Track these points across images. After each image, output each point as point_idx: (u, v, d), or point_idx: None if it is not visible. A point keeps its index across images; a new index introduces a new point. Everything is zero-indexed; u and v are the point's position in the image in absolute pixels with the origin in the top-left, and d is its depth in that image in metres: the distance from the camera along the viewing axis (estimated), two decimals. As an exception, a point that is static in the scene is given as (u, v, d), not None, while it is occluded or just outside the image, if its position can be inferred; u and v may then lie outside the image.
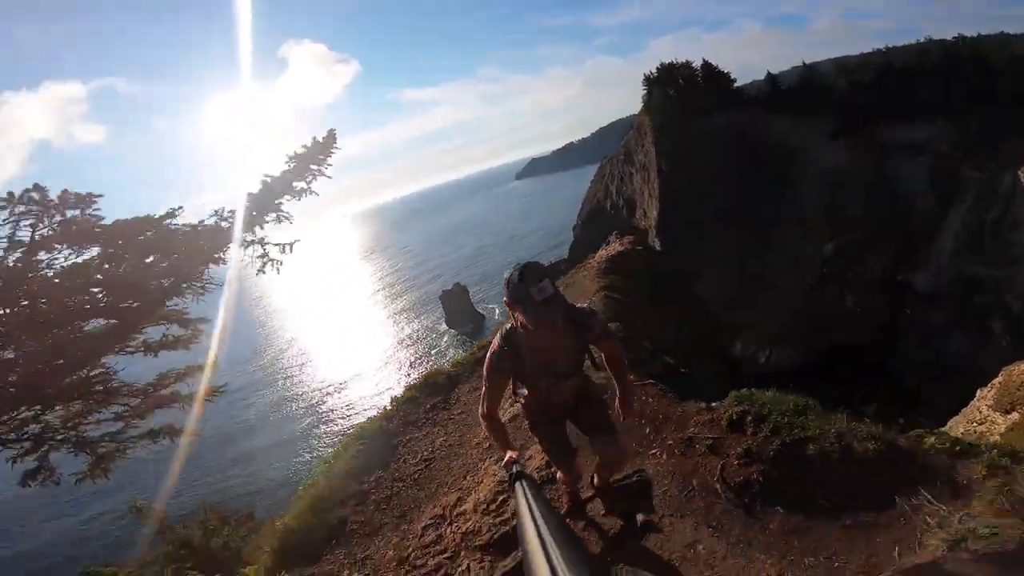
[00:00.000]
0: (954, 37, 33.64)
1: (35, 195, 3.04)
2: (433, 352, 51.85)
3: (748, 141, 35.99)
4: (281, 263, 4.23)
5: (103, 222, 3.19)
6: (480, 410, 2.35)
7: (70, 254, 3.16)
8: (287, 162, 3.98)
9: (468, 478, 4.48)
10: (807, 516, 2.26)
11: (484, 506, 3.73)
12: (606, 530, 2.78)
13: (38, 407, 3.31)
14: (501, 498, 3.65)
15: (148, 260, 3.33)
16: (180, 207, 3.56)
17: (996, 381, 8.45)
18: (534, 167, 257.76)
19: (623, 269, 12.70)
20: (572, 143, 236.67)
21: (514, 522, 1.79)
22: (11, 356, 3.02)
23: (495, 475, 4.03)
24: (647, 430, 3.65)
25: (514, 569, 2.77)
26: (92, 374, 3.49)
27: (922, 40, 37.89)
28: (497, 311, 55.40)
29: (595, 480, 2.95)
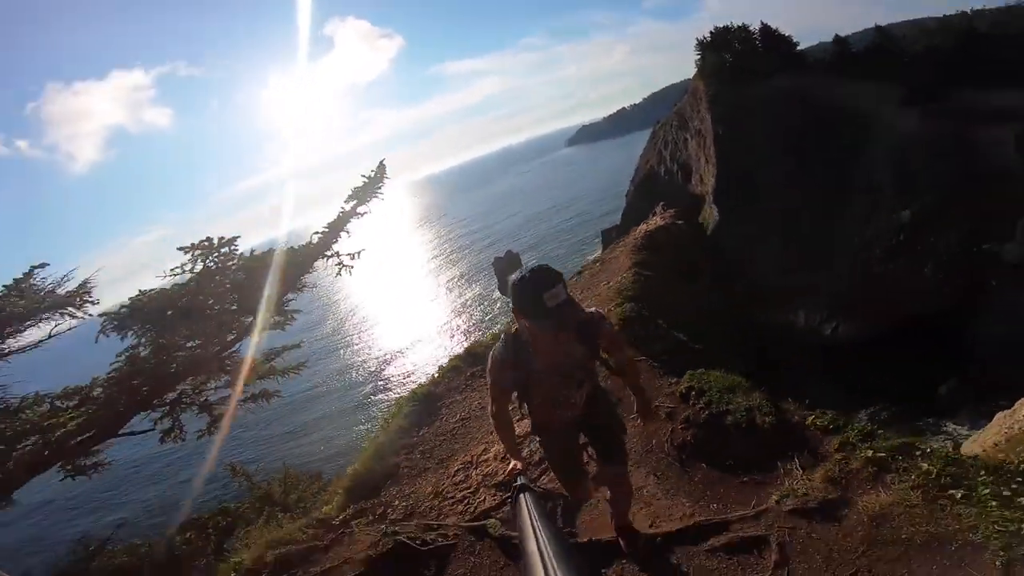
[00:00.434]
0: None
1: (205, 242, 4.34)
2: (487, 318, 53.29)
3: (812, 106, 33.66)
4: (352, 267, 5.51)
5: (238, 252, 4.46)
6: (490, 409, 2.24)
7: (217, 275, 4.43)
8: (351, 195, 5.21)
9: (493, 434, 5.47)
10: (720, 471, 3.01)
11: (502, 456, 4.72)
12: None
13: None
14: (519, 446, 4.60)
15: (267, 275, 4.61)
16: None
17: None
18: (584, 134, 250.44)
19: (661, 244, 12.86)
20: (624, 109, 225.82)
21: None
22: (180, 342, 4.30)
23: (518, 431, 5.00)
24: (628, 394, 4.43)
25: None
26: (224, 353, 4.75)
27: (1010, 3, 33.38)
28: None
29: (612, 518, 2.74)
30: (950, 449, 2.32)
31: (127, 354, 4.33)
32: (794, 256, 31.81)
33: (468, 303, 60.53)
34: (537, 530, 1.23)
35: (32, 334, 4.11)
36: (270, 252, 4.89)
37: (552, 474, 3.09)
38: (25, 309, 3.97)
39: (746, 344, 10.61)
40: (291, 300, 5.33)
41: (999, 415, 8.25)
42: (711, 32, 41.81)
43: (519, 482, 1.76)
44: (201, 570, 4.25)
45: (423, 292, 69.64)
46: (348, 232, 5.37)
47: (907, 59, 30.23)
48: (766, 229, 33.49)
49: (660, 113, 60.42)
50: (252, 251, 4.88)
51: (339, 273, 5.70)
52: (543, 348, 1.97)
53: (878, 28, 34.43)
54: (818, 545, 2.20)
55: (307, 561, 3.70)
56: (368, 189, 5.28)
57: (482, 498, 4.30)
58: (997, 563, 1.81)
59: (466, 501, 4.41)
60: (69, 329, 4.29)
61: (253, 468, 8.56)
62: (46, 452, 3.86)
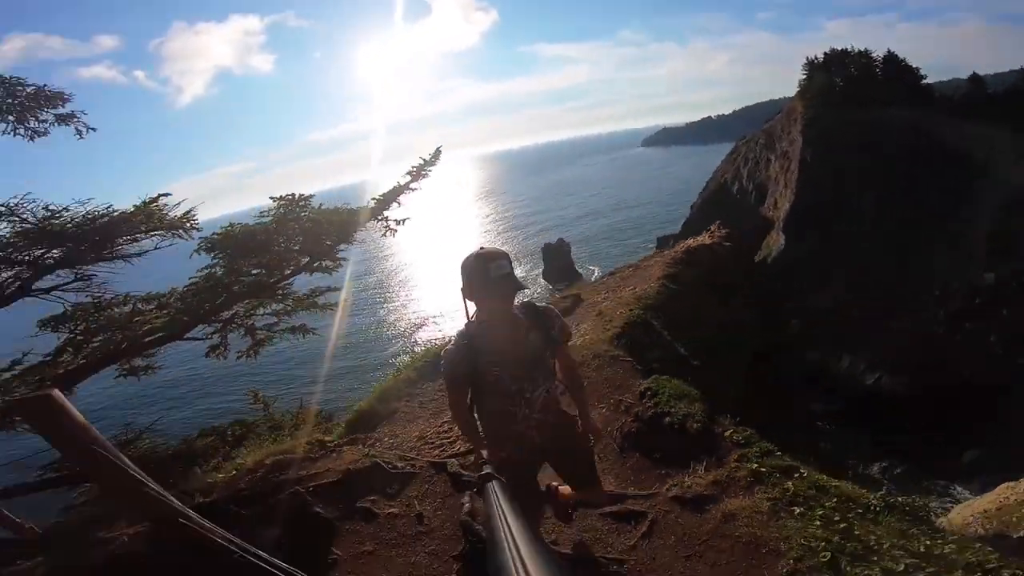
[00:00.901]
0: None
1: (288, 196, 5.36)
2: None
3: (920, 144, 31.32)
4: (396, 231, 6.30)
5: (310, 205, 5.46)
6: (449, 401, 2.18)
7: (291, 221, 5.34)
8: (408, 172, 5.98)
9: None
10: (649, 461, 3.41)
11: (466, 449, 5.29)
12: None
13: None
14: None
15: (328, 226, 5.52)
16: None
17: None
18: (663, 136, 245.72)
19: (701, 260, 12.69)
20: (709, 118, 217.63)
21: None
22: (248, 268, 5.28)
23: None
24: (607, 389, 4.83)
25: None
26: (280, 284, 5.66)
27: None
28: (596, 271, 56.16)
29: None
30: (823, 480, 2.60)
31: (205, 271, 5.20)
32: (857, 299, 30.16)
33: (508, 284, 61.06)
34: (504, 520, 1.22)
35: (144, 244, 5.07)
36: (334, 209, 5.73)
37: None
38: (146, 226, 4.87)
39: (757, 371, 10.52)
40: (343, 249, 6.14)
41: (1002, 486, 8.08)
42: (826, 53, 39.56)
43: (485, 471, 1.72)
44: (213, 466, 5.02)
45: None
46: (399, 203, 6.09)
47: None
48: (833, 265, 31.77)
49: (747, 128, 57.94)
50: (320, 204, 5.70)
51: (384, 235, 6.44)
52: (498, 334, 1.94)
53: (1025, 71, 31.27)
54: (678, 527, 2.64)
55: (298, 467, 4.29)
56: (422, 169, 5.95)
57: (457, 447, 4.88)
58: (784, 569, 2.17)
59: (443, 448, 5.00)
60: (169, 244, 5.23)
61: (272, 399, 9.54)
62: (124, 345, 4.73)
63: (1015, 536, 6.58)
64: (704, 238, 15.72)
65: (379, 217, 6.06)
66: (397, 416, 6.30)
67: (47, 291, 4.59)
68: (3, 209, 4.13)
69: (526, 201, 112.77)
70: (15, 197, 4.18)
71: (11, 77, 4.54)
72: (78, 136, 4.99)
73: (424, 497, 3.67)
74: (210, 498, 3.52)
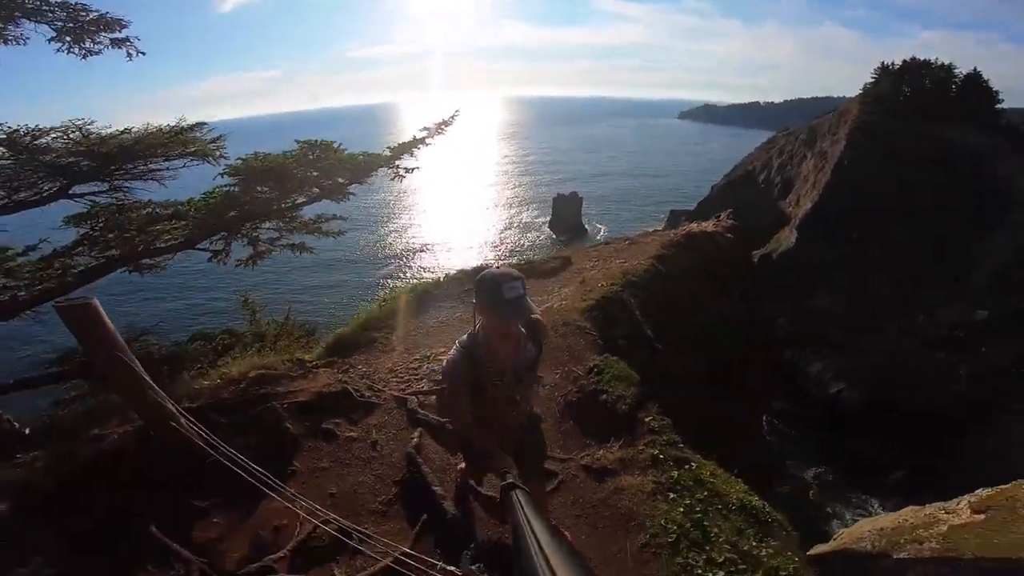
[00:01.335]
0: None
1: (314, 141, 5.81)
2: (524, 245, 53.84)
3: (966, 169, 30.39)
4: (405, 177, 6.67)
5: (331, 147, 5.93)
6: (452, 413, 2.25)
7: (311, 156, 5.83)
8: (423, 129, 6.34)
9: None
10: (580, 432, 3.90)
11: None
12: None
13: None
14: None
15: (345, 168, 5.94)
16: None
17: (1003, 486, 8.44)
18: (703, 113, 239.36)
19: (698, 247, 12.69)
20: (757, 103, 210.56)
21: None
22: (264, 191, 5.73)
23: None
24: (565, 357, 5.28)
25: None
26: (286, 205, 6.08)
27: None
28: (603, 230, 56.25)
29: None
30: (705, 474, 3.08)
31: (225, 191, 5.59)
32: (852, 311, 30.53)
33: (512, 225, 61.12)
34: (530, 527, 1.23)
35: (175, 164, 5.51)
36: (352, 155, 6.14)
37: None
38: (179, 151, 5.29)
39: (727, 362, 10.98)
40: (353, 185, 6.50)
41: (908, 508, 8.75)
42: (905, 60, 37.60)
43: (509, 479, 1.71)
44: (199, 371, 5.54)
45: (477, 201, 70.26)
46: (412, 154, 6.43)
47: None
48: (836, 275, 31.83)
49: (794, 121, 55.87)
50: (341, 147, 6.09)
51: (393, 179, 6.80)
52: (496, 345, 2.07)
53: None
54: (577, 490, 3.16)
55: (277, 383, 4.71)
56: (438, 128, 6.34)
57: (422, 384, 5.38)
58: (640, 542, 2.69)
59: (409, 383, 5.50)
60: (197, 164, 5.67)
61: (261, 304, 9.97)
62: (140, 248, 5.17)
63: (894, 557, 7.14)
64: (709, 225, 15.74)
65: (391, 166, 6.32)
66: (375, 347, 6.69)
67: (83, 196, 5.06)
68: (59, 133, 4.62)
69: (547, 150, 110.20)
70: (69, 120, 4.69)
71: (75, 3, 4.70)
72: (128, 58, 5.25)
73: (382, 427, 4.17)
74: (196, 404, 3.89)
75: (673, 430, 3.41)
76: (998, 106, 36.13)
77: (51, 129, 4.73)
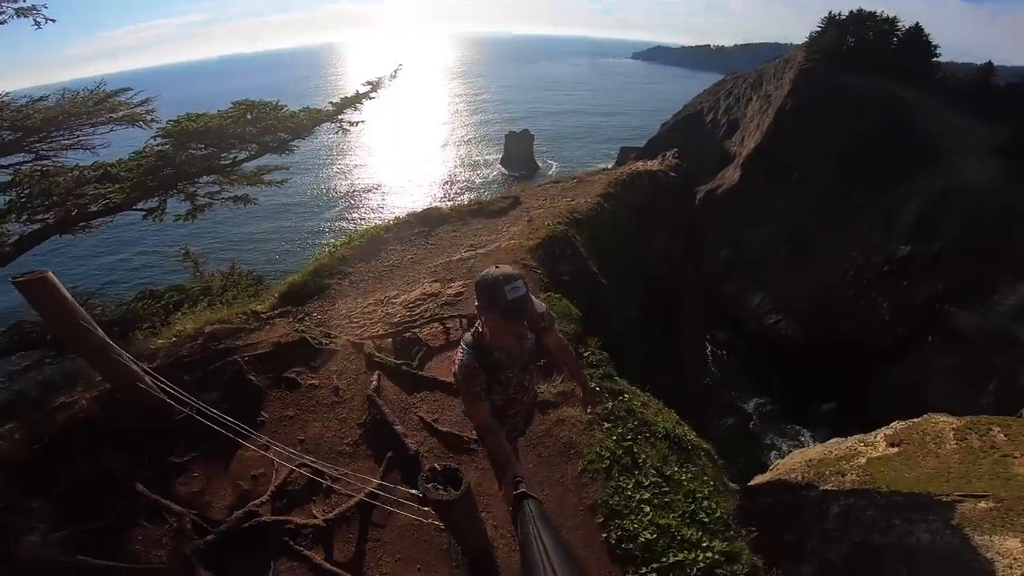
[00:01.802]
0: None
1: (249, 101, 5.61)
2: (476, 182, 53.09)
3: (897, 121, 31.92)
4: (349, 130, 6.58)
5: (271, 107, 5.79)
6: (474, 420, 2.19)
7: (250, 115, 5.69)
8: (366, 83, 6.26)
9: (408, 286, 6.51)
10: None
11: (408, 304, 5.85)
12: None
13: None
14: (420, 301, 5.74)
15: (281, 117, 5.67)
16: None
17: (915, 420, 8.69)
18: (655, 54, 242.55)
19: (642, 186, 12.83)
20: (708, 46, 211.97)
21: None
22: (200, 149, 5.50)
23: (426, 290, 6.12)
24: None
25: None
26: (225, 162, 5.84)
27: None
28: (555, 166, 56.20)
29: None
30: (637, 405, 3.48)
31: (157, 148, 5.37)
32: (787, 246, 32.53)
33: (464, 163, 59.76)
34: (540, 538, 1.25)
35: (101, 130, 5.20)
36: (293, 113, 6.02)
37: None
38: (106, 118, 5.03)
39: (666, 296, 11.56)
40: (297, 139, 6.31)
41: (832, 440, 9.48)
42: (851, 12, 38.00)
43: (521, 488, 1.73)
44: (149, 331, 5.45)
45: (428, 140, 67.61)
46: (357, 108, 6.34)
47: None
48: (776, 211, 33.56)
49: (741, 66, 56.52)
50: (280, 103, 5.99)
51: (338, 133, 6.66)
52: (504, 342, 2.10)
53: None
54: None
55: (234, 337, 4.75)
56: (381, 82, 6.28)
57: (377, 328, 5.50)
58: (579, 468, 3.06)
59: (365, 327, 5.61)
60: (124, 128, 5.40)
61: (205, 258, 9.53)
62: (74, 213, 4.94)
63: (820, 488, 7.42)
64: (654, 163, 15.98)
65: (335, 120, 6.20)
66: (328, 293, 6.64)
67: (7, 167, 4.82)
68: None
69: (500, 88, 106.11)
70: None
71: None
72: (36, 27, 4.84)
73: (342, 373, 4.33)
74: (155, 363, 3.88)
75: (610, 363, 3.73)
76: (936, 59, 37.70)
77: None
